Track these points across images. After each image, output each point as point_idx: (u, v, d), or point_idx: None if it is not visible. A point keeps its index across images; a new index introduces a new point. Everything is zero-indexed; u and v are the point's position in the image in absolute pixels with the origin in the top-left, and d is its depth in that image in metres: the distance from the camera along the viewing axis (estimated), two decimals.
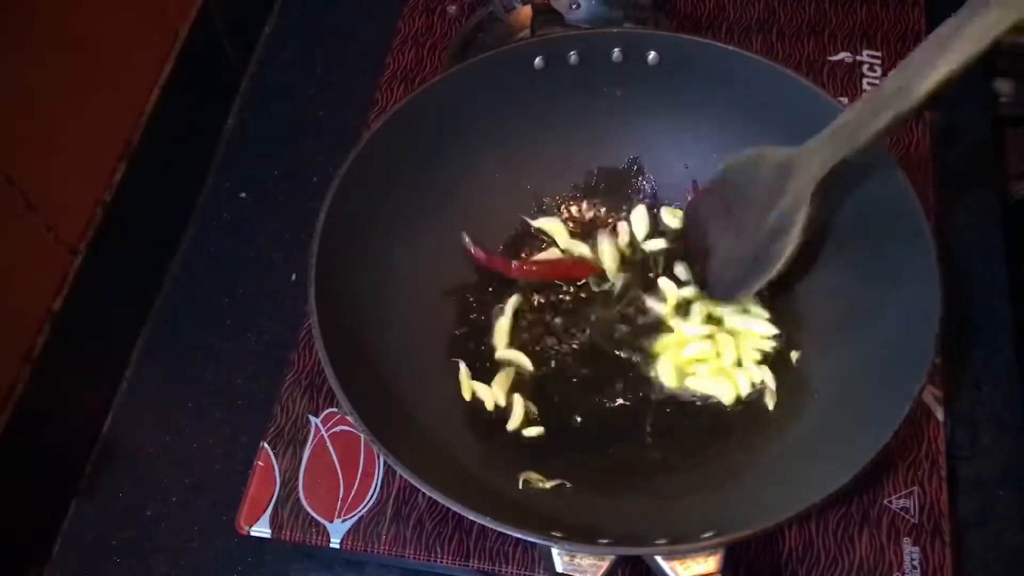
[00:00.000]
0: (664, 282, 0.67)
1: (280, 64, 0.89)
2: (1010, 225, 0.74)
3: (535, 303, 0.67)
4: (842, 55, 0.80)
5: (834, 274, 0.63)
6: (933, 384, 0.64)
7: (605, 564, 0.49)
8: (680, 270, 0.68)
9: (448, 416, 0.62)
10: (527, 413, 0.62)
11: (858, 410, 0.56)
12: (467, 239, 0.67)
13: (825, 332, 0.62)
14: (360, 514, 0.62)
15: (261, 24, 0.91)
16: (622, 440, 0.62)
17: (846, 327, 0.61)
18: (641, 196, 0.71)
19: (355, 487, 0.63)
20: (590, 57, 0.67)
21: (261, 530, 0.61)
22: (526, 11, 0.77)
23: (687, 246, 0.68)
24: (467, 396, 0.63)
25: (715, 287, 0.65)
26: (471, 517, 0.49)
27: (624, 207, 0.71)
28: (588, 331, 0.66)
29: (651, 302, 0.66)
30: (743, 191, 0.62)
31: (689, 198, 0.69)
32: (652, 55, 0.66)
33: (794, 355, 0.63)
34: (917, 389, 0.51)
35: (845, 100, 0.76)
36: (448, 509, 0.51)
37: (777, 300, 0.65)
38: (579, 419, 0.63)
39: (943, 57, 0.50)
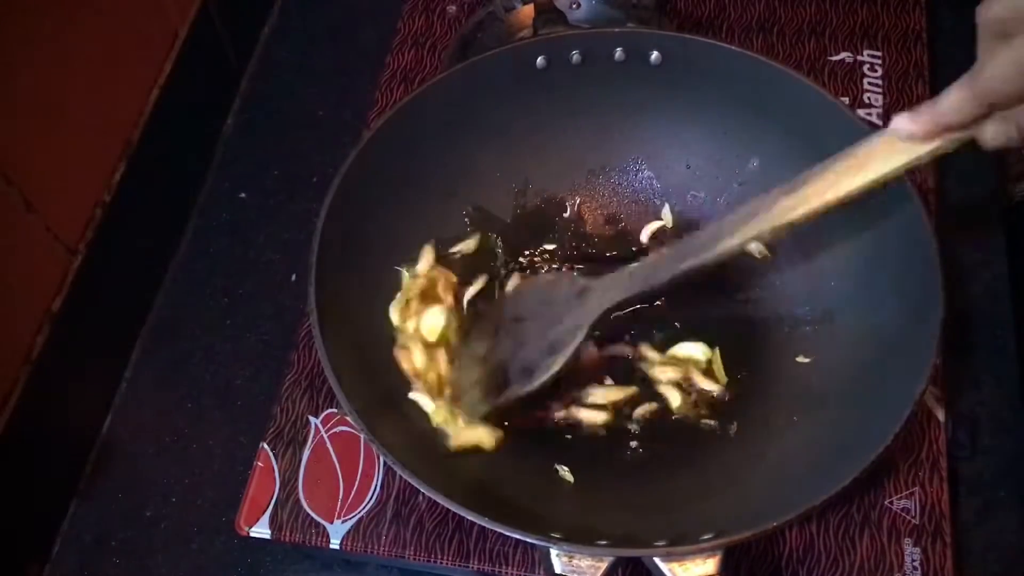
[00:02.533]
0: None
1: (280, 64, 0.89)
2: (1010, 225, 0.74)
3: None
4: (843, 55, 0.80)
5: (835, 276, 0.63)
6: (934, 384, 0.64)
7: (604, 565, 0.49)
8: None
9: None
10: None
11: (859, 411, 0.55)
12: None
13: (827, 335, 0.62)
14: (360, 515, 0.62)
15: (261, 24, 0.91)
16: (622, 442, 0.62)
17: (848, 330, 0.61)
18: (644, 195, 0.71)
19: (355, 488, 0.63)
20: (592, 57, 0.67)
21: (261, 531, 0.61)
22: (526, 11, 0.77)
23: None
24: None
25: (479, 396, 0.62)
26: (470, 518, 0.49)
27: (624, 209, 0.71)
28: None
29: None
30: (537, 306, 0.63)
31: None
32: (655, 55, 0.66)
33: (798, 359, 0.63)
34: (918, 391, 0.51)
35: (846, 100, 0.76)
36: (448, 510, 0.51)
37: (779, 303, 0.65)
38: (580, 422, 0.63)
39: (744, 227, 0.55)
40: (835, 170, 0.53)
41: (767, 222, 0.54)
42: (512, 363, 0.62)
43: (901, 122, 0.49)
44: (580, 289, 0.62)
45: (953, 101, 0.46)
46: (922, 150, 0.49)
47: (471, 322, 0.65)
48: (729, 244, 0.56)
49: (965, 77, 0.45)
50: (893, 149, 0.50)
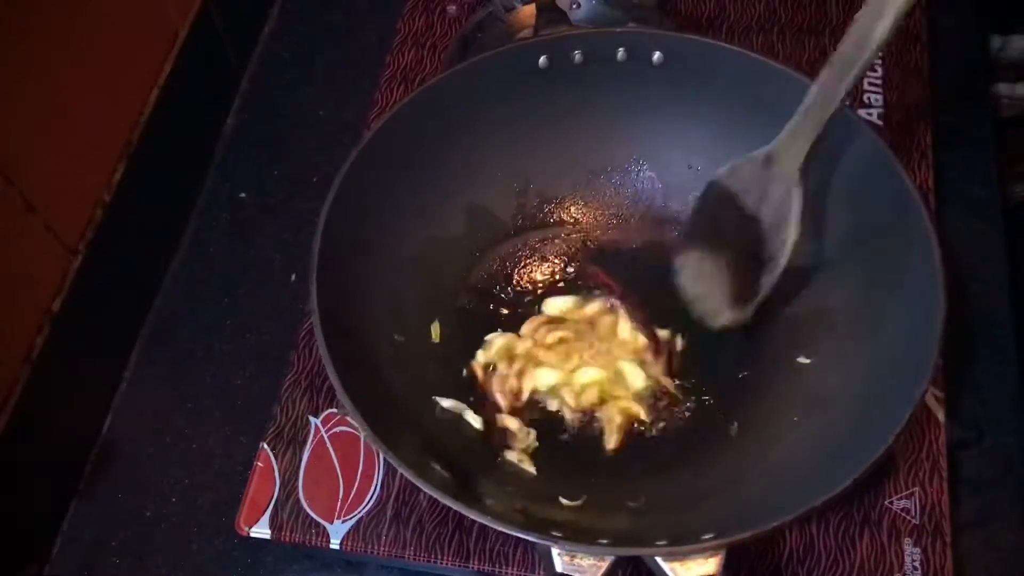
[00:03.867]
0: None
1: (280, 64, 0.89)
2: (1010, 226, 0.74)
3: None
4: None
5: (837, 277, 0.63)
6: (934, 385, 0.64)
7: (605, 564, 0.49)
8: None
9: (449, 416, 0.62)
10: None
11: (860, 412, 0.55)
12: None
13: (828, 335, 0.62)
14: (360, 515, 0.62)
15: (261, 24, 0.91)
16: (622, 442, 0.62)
17: (849, 330, 0.61)
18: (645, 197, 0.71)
19: (355, 488, 0.63)
20: (594, 57, 0.67)
21: (261, 531, 0.61)
22: (526, 11, 0.77)
23: (682, 283, 0.66)
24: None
25: (720, 312, 0.64)
26: (471, 516, 0.49)
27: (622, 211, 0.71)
28: None
29: None
30: (732, 201, 0.63)
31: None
32: (657, 55, 0.66)
33: (798, 359, 0.63)
34: (919, 391, 0.51)
35: (846, 100, 0.76)
36: (448, 510, 0.51)
37: (780, 304, 0.65)
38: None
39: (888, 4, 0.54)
40: None
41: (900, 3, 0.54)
42: (746, 261, 0.62)
43: None
44: (762, 159, 0.61)
45: None
46: None
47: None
48: (884, 28, 0.55)
49: None
50: None
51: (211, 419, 0.71)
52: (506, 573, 0.60)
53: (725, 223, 0.63)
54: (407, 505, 0.62)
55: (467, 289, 0.68)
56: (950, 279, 0.54)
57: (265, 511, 0.62)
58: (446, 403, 0.61)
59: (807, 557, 0.60)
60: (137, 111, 0.73)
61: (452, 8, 0.84)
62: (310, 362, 0.67)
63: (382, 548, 0.60)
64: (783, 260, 0.61)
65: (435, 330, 0.65)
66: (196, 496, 0.68)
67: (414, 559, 0.60)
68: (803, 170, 0.59)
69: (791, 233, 0.60)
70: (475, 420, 0.61)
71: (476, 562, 0.60)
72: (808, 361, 0.62)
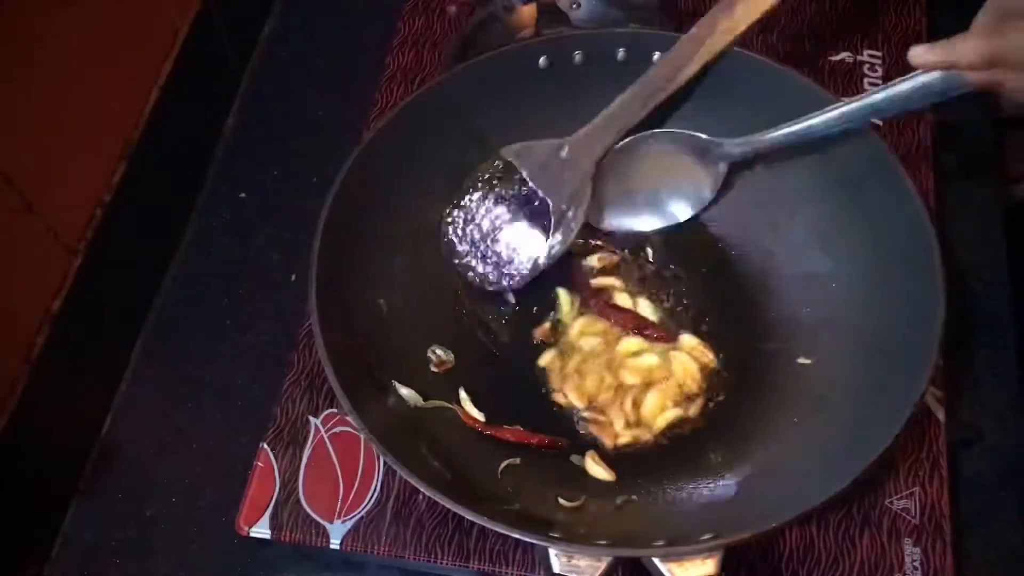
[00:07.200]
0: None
1: (280, 64, 0.89)
2: (1010, 226, 0.74)
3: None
4: (843, 55, 0.80)
5: (836, 278, 0.63)
6: (934, 385, 0.64)
7: (602, 565, 0.49)
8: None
9: (449, 416, 0.62)
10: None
11: (860, 413, 0.55)
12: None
13: (828, 335, 0.62)
14: (360, 515, 0.62)
15: (261, 24, 0.91)
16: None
17: (849, 330, 0.61)
18: None
19: (355, 488, 0.63)
20: (594, 57, 0.67)
21: (261, 531, 0.61)
22: (526, 11, 0.77)
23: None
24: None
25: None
26: (470, 518, 0.49)
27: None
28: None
29: None
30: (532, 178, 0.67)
31: None
32: (657, 55, 0.66)
33: (799, 360, 0.62)
34: (919, 392, 0.51)
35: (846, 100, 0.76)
36: (448, 510, 0.51)
37: (781, 305, 0.65)
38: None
39: (700, 50, 0.63)
40: None
41: (716, 46, 0.63)
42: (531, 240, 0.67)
43: (919, 50, 0.54)
44: (557, 147, 0.66)
45: (969, 50, 0.52)
46: None
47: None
48: (690, 72, 0.64)
49: (984, 33, 0.52)
50: None
51: (211, 419, 0.71)
52: (506, 573, 0.60)
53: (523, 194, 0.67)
54: (407, 505, 0.62)
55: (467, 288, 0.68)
56: (950, 279, 0.55)
57: (265, 511, 0.62)
58: (404, 391, 0.61)
59: (807, 557, 0.60)
60: (137, 111, 0.73)
61: (452, 8, 0.84)
62: (310, 362, 0.67)
63: (382, 548, 0.61)
64: (571, 238, 0.66)
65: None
66: (196, 496, 0.68)
67: (414, 559, 0.60)
68: (597, 164, 0.65)
69: (580, 215, 0.66)
70: (416, 399, 0.61)
71: (476, 562, 0.60)
72: (808, 361, 0.62)
